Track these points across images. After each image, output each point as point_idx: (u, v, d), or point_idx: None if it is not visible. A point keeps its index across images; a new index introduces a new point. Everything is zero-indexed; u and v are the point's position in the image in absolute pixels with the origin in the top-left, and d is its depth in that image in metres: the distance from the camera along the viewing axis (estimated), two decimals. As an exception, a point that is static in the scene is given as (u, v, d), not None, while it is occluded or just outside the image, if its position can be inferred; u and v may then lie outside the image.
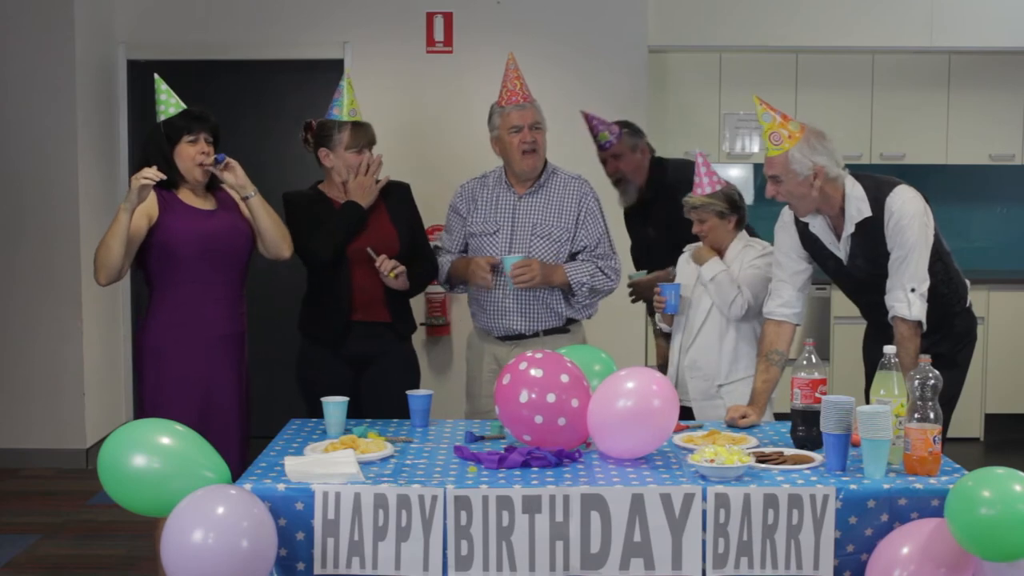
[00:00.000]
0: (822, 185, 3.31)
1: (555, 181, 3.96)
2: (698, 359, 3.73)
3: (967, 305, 3.60)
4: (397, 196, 3.95)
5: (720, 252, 3.76)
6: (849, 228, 3.38)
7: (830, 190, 3.34)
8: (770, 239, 3.69)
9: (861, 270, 3.45)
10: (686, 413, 3.62)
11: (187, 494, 2.54)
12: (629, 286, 4.33)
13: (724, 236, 3.76)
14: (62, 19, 5.64)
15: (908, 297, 3.29)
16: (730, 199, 3.74)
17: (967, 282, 3.61)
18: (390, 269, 3.71)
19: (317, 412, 3.42)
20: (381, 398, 3.76)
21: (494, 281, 3.85)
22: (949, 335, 3.50)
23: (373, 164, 3.84)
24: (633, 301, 4.41)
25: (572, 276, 3.88)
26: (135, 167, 3.46)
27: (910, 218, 3.30)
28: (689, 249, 3.91)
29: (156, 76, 3.66)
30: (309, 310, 3.90)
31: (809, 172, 3.28)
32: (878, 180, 3.41)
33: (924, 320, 3.31)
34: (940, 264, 3.43)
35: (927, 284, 3.32)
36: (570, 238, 3.91)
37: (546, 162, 3.98)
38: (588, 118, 4.53)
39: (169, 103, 3.59)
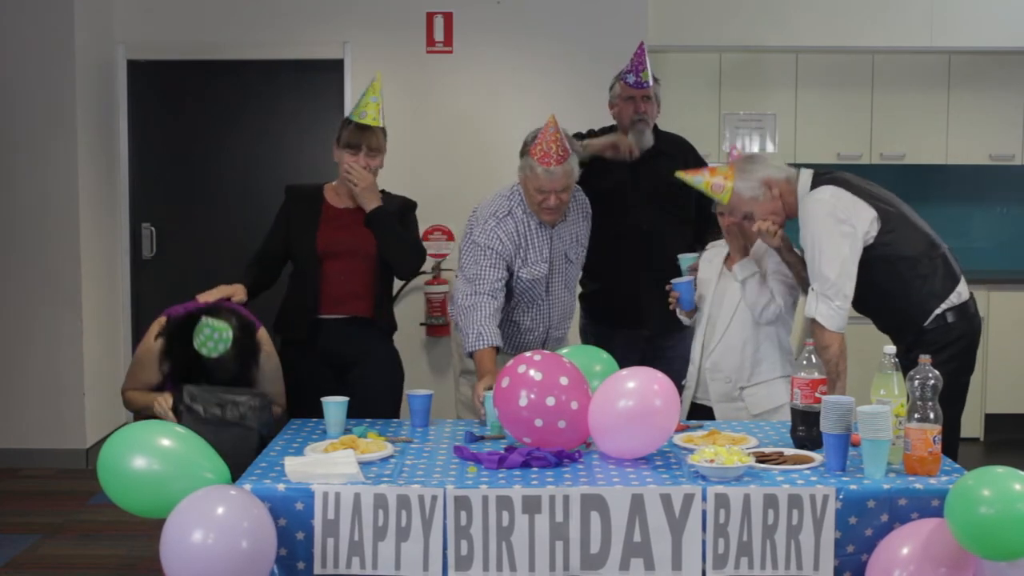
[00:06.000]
0: (780, 192, 3.47)
1: (571, 204, 3.88)
2: (720, 361, 3.66)
3: (941, 311, 3.41)
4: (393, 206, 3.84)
5: (748, 248, 3.73)
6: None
7: (788, 195, 3.49)
8: None
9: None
10: (707, 413, 3.64)
11: (187, 495, 2.54)
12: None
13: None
14: (62, 19, 5.63)
15: (811, 295, 3.42)
16: None
17: (959, 292, 3.43)
18: None
19: (301, 413, 3.47)
20: (367, 401, 3.58)
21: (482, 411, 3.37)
22: (918, 343, 3.35)
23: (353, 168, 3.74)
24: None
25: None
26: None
27: (812, 221, 3.40)
28: (715, 246, 3.86)
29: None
30: (281, 308, 3.86)
31: (760, 188, 3.46)
32: (832, 179, 3.47)
33: (825, 321, 3.35)
34: (892, 272, 3.40)
35: (834, 289, 3.35)
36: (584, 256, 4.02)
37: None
38: (641, 52, 4.28)
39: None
